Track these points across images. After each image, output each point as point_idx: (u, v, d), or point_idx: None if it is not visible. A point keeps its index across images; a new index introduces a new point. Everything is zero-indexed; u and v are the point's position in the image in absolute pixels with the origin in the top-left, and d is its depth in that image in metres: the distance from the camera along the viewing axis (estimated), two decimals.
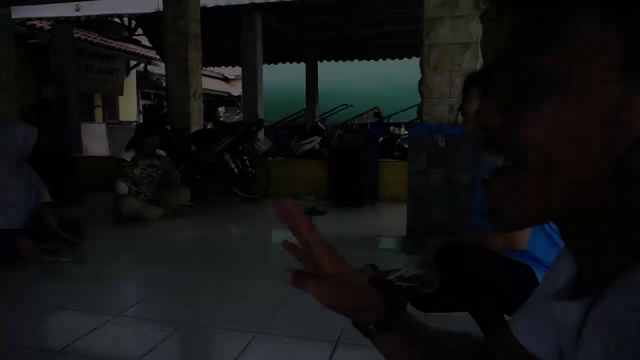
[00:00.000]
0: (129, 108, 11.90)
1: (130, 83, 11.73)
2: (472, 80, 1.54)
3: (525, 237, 1.45)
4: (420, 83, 3.25)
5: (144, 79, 11.96)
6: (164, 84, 6.06)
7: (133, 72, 11.73)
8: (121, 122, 11.42)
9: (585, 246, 0.40)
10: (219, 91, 15.45)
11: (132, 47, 10.86)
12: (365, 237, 3.83)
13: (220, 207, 5.15)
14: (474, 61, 3.08)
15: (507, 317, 1.63)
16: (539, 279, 1.46)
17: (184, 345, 1.94)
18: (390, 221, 4.30)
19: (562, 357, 0.45)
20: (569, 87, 0.32)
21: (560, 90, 0.33)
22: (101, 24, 10.10)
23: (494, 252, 1.53)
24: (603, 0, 0.31)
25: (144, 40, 10.74)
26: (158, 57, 10.86)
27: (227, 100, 16.34)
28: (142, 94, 12.67)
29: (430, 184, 3.17)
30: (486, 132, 0.38)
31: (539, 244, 1.47)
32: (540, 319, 0.52)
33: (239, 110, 15.74)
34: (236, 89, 16.91)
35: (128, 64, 11.13)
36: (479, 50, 3.11)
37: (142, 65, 11.64)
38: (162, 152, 4.52)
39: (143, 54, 11.20)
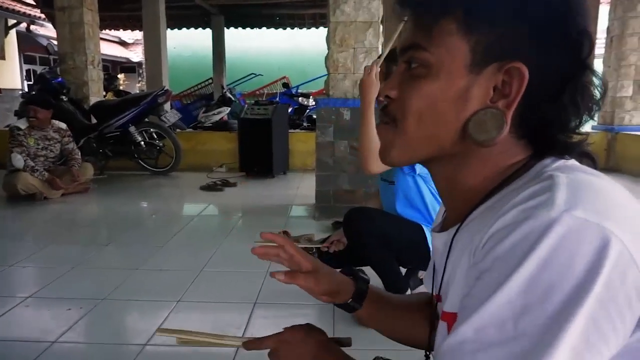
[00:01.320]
0: (11, 74, 10.66)
1: (11, 45, 10.47)
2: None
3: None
4: (327, 58, 3.42)
5: (27, 40, 10.72)
6: (56, 48, 5.54)
7: (13, 33, 10.45)
8: (1, 90, 10.22)
9: (442, 187, 0.60)
10: (117, 56, 14.35)
11: (9, 3, 9.64)
12: (277, 205, 4.01)
13: (127, 181, 4.99)
14: (375, 39, 3.31)
15: (402, 269, 1.93)
16: (427, 234, 1.76)
17: (104, 320, 1.97)
18: (300, 190, 4.52)
19: (434, 274, 0.67)
20: (437, 74, 0.51)
21: (432, 75, 0.51)
22: None
23: (391, 215, 1.80)
24: (460, 24, 0.50)
25: None
26: (43, 16, 9.79)
27: (126, 66, 15.26)
28: (25, 58, 11.37)
29: (337, 155, 3.41)
30: (388, 100, 0.56)
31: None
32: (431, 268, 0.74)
33: (140, 78, 14.80)
34: (136, 54, 15.82)
35: (6, 23, 9.90)
36: (380, 29, 3.34)
37: (24, 25, 10.41)
38: (62, 125, 4.23)
39: (25, 12, 10.01)
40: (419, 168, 1.77)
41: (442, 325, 0.58)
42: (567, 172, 0.47)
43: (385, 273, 1.79)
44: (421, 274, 2.12)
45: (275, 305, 2.09)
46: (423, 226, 1.81)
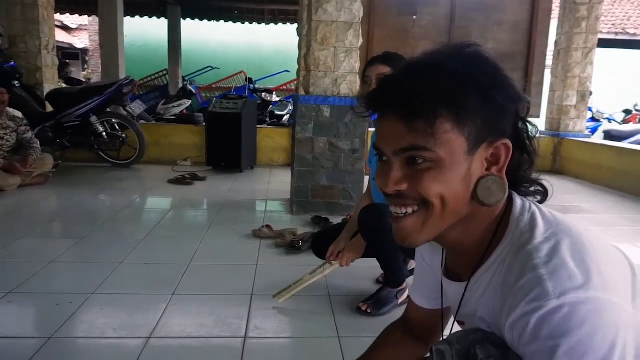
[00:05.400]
0: None
1: None
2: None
3: None
4: (307, 56, 3.47)
5: None
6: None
7: None
8: None
9: (448, 249, 0.77)
10: (59, 42, 13.49)
11: None
12: (251, 200, 4.01)
13: (87, 173, 4.76)
14: (356, 39, 3.40)
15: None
16: None
17: (99, 314, 1.91)
18: (272, 185, 4.54)
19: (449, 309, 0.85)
20: (444, 165, 0.63)
21: (440, 167, 0.63)
22: None
23: None
24: (453, 122, 0.62)
25: None
26: None
27: (69, 52, 14.39)
28: None
29: (316, 151, 3.46)
30: (398, 193, 0.67)
31: None
32: (423, 286, 0.93)
33: (86, 66, 14.02)
34: (80, 40, 14.98)
35: None
36: (360, 30, 3.44)
37: None
38: (17, 113, 3.98)
39: None
40: None
41: None
42: (541, 241, 0.61)
43: (392, 267, 1.88)
44: (411, 264, 2.24)
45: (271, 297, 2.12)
46: None
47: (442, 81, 0.61)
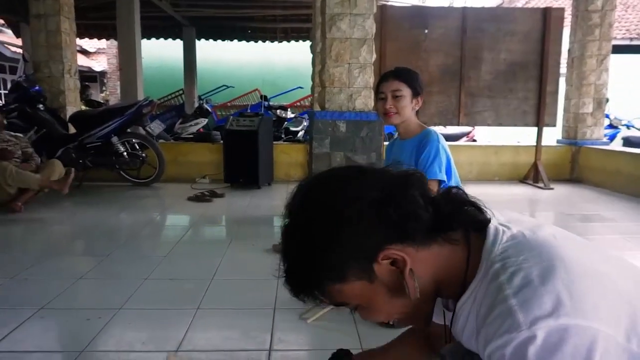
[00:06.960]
0: None
1: None
2: None
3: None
4: (322, 73, 3.54)
5: None
6: (25, 57, 5.40)
7: None
8: None
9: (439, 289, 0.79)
10: (79, 65, 13.92)
11: None
12: (270, 215, 4.05)
13: (109, 192, 4.88)
14: (369, 55, 3.47)
15: None
16: None
17: (128, 328, 1.96)
18: None
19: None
20: (369, 305, 0.77)
21: (368, 306, 0.77)
22: None
23: None
24: (341, 282, 0.72)
25: None
26: (1, 22, 9.41)
27: (88, 75, 14.80)
28: None
29: (333, 165, 3.51)
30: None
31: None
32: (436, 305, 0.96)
33: (104, 88, 14.41)
34: (98, 64, 15.42)
35: None
36: (373, 46, 3.50)
37: None
38: (19, 135, 4.17)
39: None
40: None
41: None
42: (508, 267, 0.64)
43: None
44: None
45: (297, 310, 2.14)
46: None
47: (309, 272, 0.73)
